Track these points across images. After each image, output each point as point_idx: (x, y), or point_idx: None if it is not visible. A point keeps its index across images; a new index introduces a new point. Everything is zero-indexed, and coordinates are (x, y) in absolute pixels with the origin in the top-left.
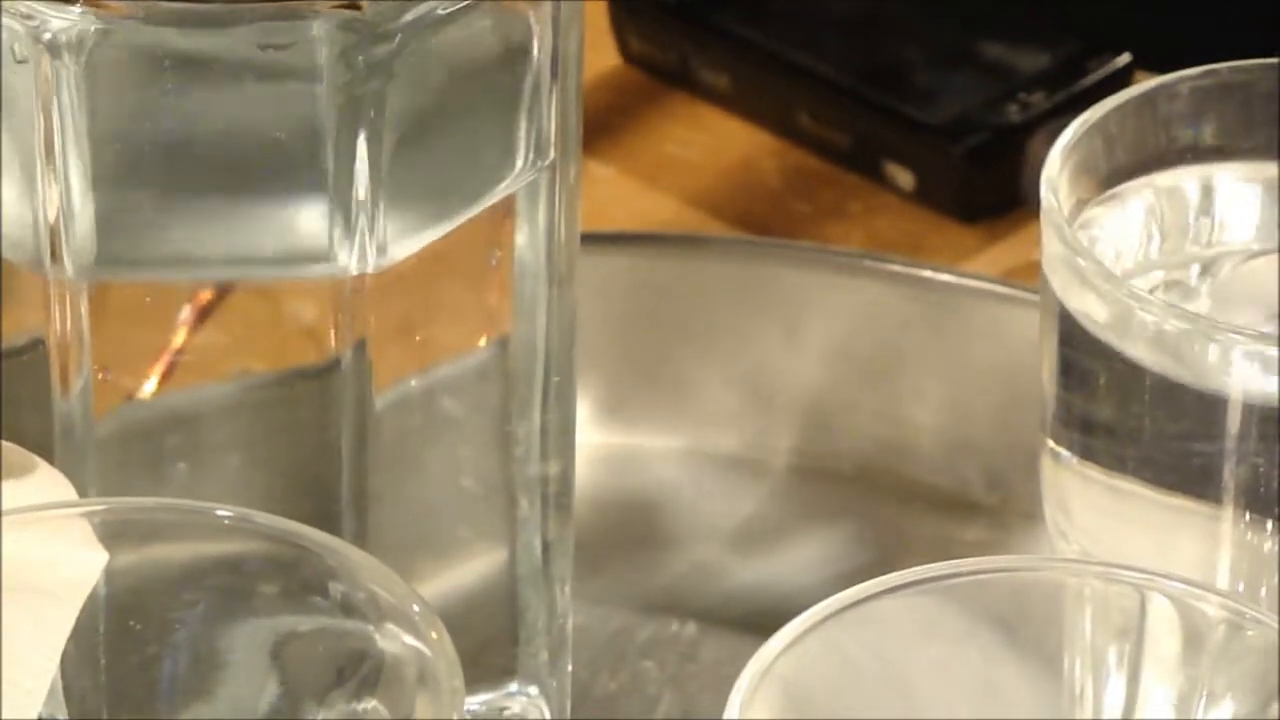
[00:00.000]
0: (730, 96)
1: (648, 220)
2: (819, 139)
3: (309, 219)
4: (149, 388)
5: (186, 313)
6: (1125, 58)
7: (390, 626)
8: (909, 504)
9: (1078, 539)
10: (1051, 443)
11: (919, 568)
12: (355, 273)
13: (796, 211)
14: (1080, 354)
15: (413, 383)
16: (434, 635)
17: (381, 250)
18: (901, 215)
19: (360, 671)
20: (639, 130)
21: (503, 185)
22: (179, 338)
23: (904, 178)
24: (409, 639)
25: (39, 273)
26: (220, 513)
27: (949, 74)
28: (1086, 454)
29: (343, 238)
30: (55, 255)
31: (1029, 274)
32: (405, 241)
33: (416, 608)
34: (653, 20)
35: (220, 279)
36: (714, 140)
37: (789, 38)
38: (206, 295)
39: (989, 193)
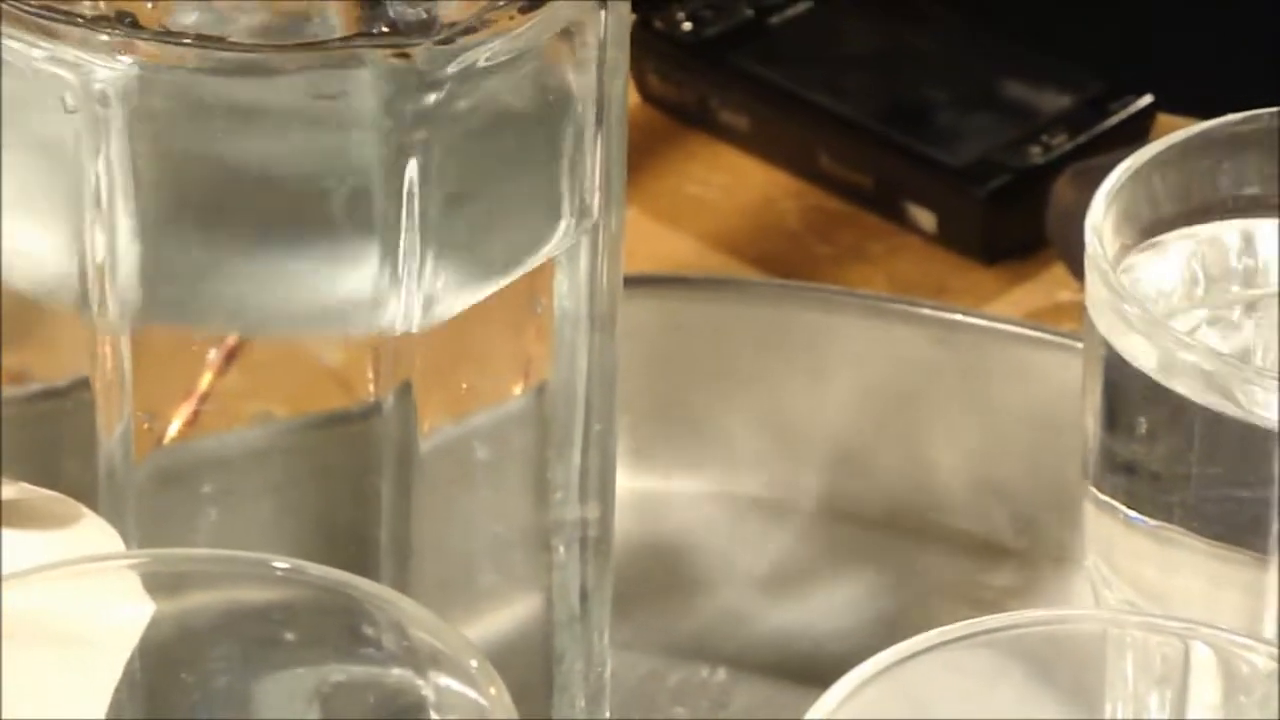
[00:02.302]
0: (750, 137)
1: (668, 261)
2: (840, 180)
3: (356, 274)
4: (174, 430)
5: (214, 355)
6: (1147, 99)
7: (447, 679)
8: (937, 548)
9: (1121, 587)
10: (1095, 489)
11: (967, 621)
12: (400, 330)
13: (817, 253)
14: (1125, 399)
15: (452, 429)
16: (493, 690)
17: (428, 308)
18: (923, 257)
19: None
20: (659, 171)
21: (549, 246)
22: (205, 381)
23: (925, 219)
24: (467, 692)
25: (83, 318)
26: (272, 563)
27: (971, 115)
28: (1131, 501)
29: (389, 295)
30: (101, 302)
31: (1052, 316)
32: (451, 301)
33: (474, 661)
34: (672, 60)
35: (266, 333)
36: (734, 181)
37: (809, 78)
38: (233, 340)
39: (1011, 234)
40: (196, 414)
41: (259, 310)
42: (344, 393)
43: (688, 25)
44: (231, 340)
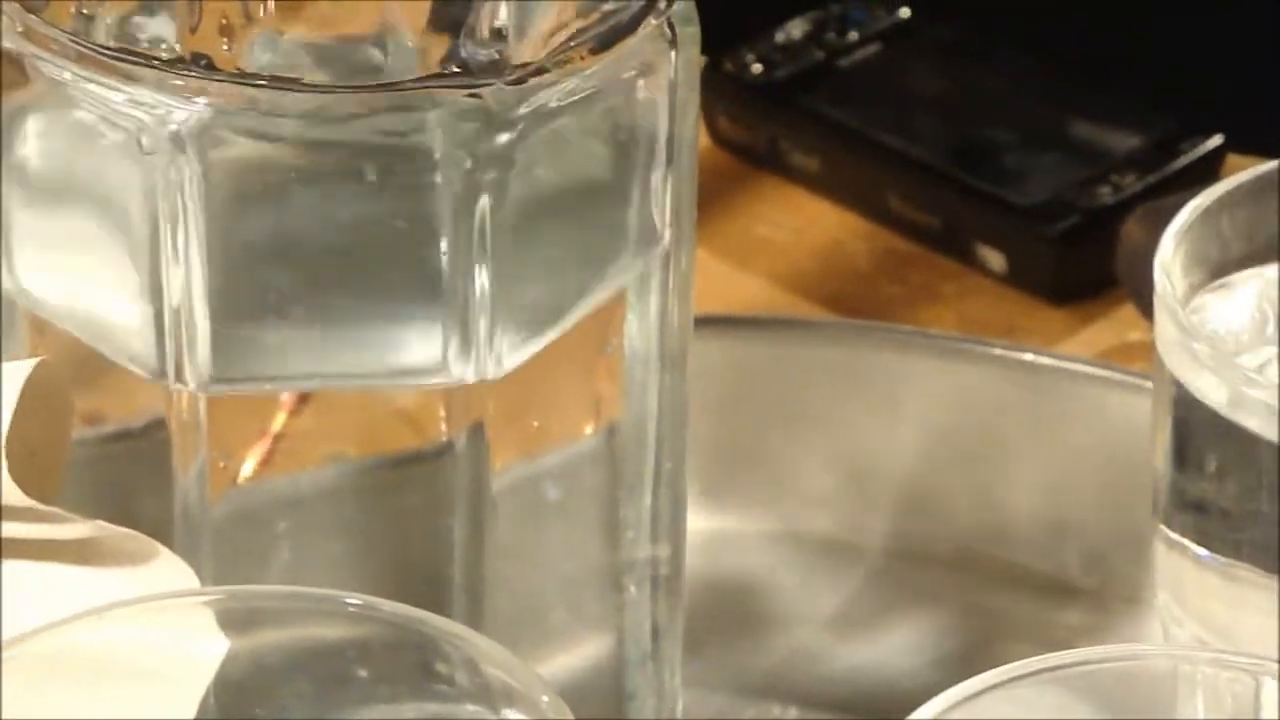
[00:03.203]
0: (820, 178)
1: (738, 302)
2: (910, 221)
3: (426, 322)
4: (248, 470)
5: (287, 396)
6: (1217, 139)
7: (519, 716)
8: (1007, 587)
9: (1191, 625)
10: (1164, 528)
11: (1036, 658)
12: (473, 381)
13: (887, 294)
14: (1196, 437)
15: (524, 468)
16: None
17: (498, 360)
18: (993, 297)
19: None
20: (729, 212)
21: (618, 273)
22: (279, 422)
23: (995, 260)
24: None
25: (161, 385)
26: (345, 600)
27: (1040, 156)
28: (1201, 538)
29: (460, 348)
30: (178, 374)
31: (1123, 355)
32: (521, 350)
33: (546, 698)
34: (742, 102)
35: (338, 387)
36: (804, 222)
37: (879, 119)
38: None
39: (1081, 275)
40: (270, 454)
41: (330, 372)
42: (415, 434)
43: (758, 67)
44: None
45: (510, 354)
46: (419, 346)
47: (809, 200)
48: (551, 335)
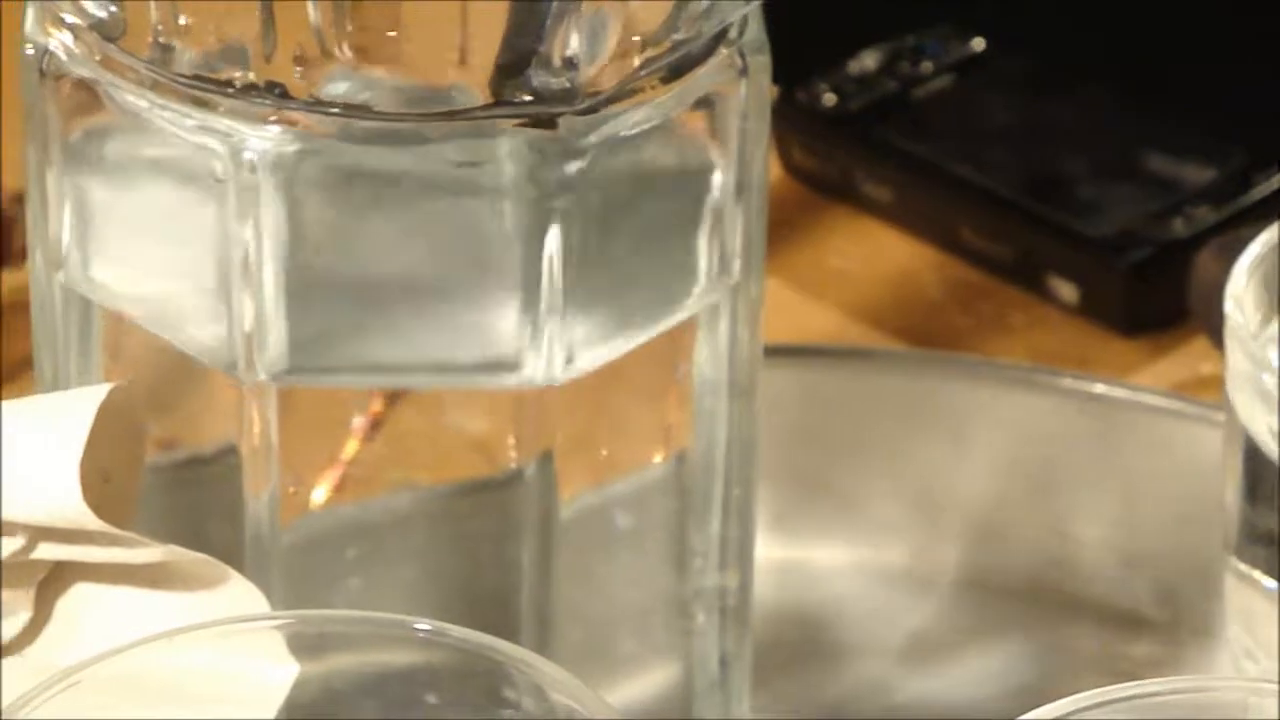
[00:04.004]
0: (892, 209)
1: (809, 332)
2: (981, 252)
3: (497, 331)
4: (319, 497)
5: (359, 423)
6: None
7: None
8: (1078, 619)
9: (1262, 658)
10: (1236, 560)
11: (1106, 689)
12: (542, 383)
13: (958, 324)
14: (1267, 469)
15: (592, 496)
16: None
17: (568, 362)
18: (1065, 329)
19: None
20: (801, 242)
21: (688, 301)
22: (351, 448)
23: (1067, 291)
24: None
25: (232, 376)
26: (415, 625)
27: (1113, 187)
28: (1272, 571)
29: (530, 349)
30: (249, 362)
31: (1195, 388)
32: (590, 355)
33: None
34: (816, 133)
35: (408, 386)
36: (876, 253)
37: (952, 150)
38: (378, 408)
39: (1154, 307)
40: (342, 482)
41: (402, 364)
42: (485, 461)
43: (831, 98)
44: (376, 408)
45: (579, 359)
46: (490, 343)
47: (881, 230)
48: (619, 348)
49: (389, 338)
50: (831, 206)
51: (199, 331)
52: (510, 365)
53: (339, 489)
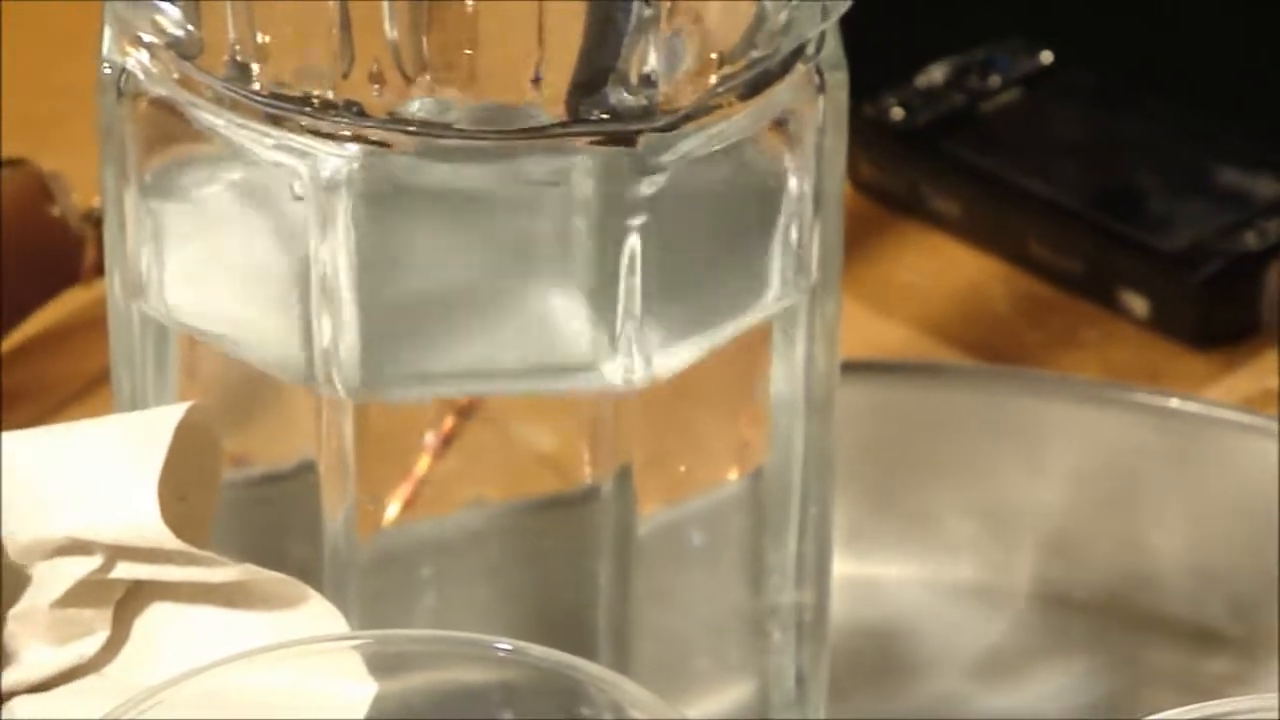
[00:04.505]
0: (961, 223)
1: (878, 347)
2: (1051, 266)
3: (574, 342)
4: (392, 513)
5: (431, 439)
6: None
7: None
8: (1152, 635)
9: None
10: None
11: (1183, 707)
12: (620, 386)
13: (1028, 339)
14: None
15: (668, 513)
16: None
17: (647, 365)
18: (1136, 343)
19: None
20: (869, 257)
21: (764, 306)
22: (423, 465)
23: (1138, 305)
24: None
25: (309, 389)
26: (494, 644)
27: (1185, 201)
28: None
29: (608, 357)
30: (327, 377)
31: (1267, 402)
32: (669, 358)
33: None
34: (884, 147)
35: (484, 393)
36: (945, 267)
37: (1021, 164)
38: (450, 424)
39: (1226, 320)
40: (413, 498)
41: (478, 371)
42: (558, 477)
43: (899, 112)
44: (448, 425)
45: (659, 358)
46: (569, 346)
47: (950, 245)
48: (700, 347)
49: (465, 351)
50: (899, 221)
51: (275, 350)
52: (588, 371)
53: (411, 506)
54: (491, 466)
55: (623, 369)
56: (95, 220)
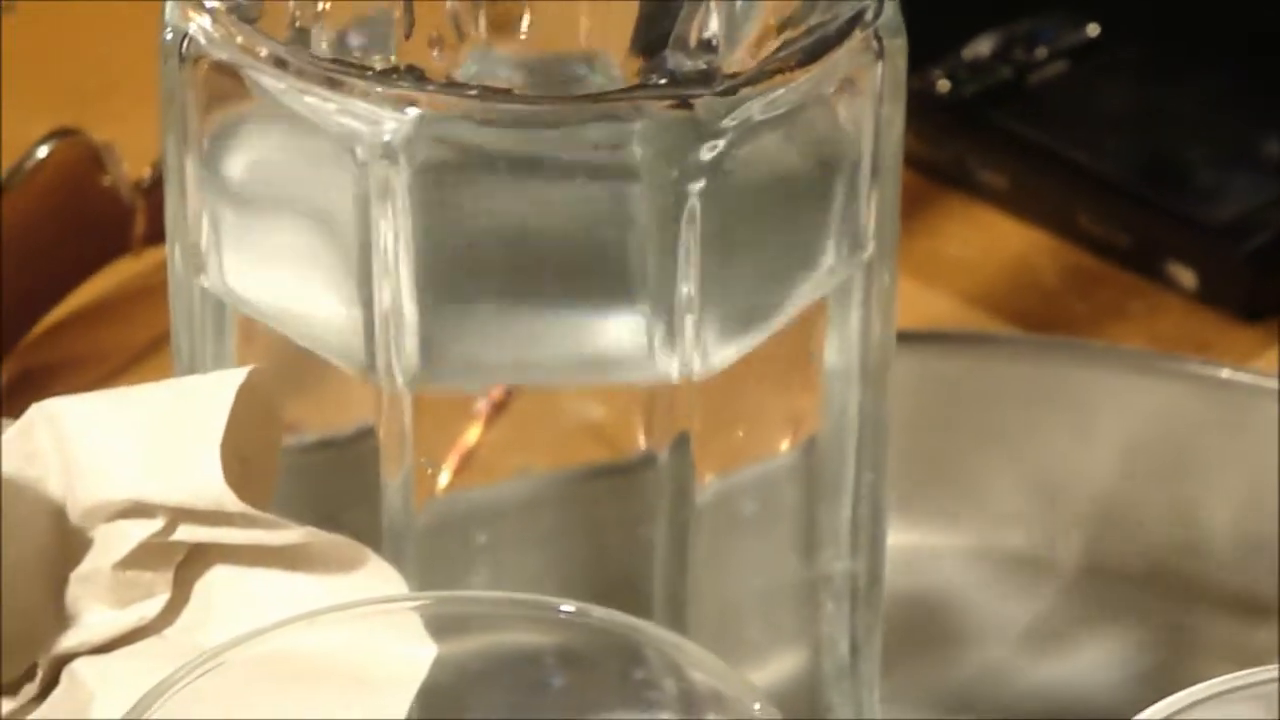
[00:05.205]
0: (1008, 196)
1: (926, 319)
2: (1099, 238)
3: (633, 323)
4: (444, 480)
5: (482, 406)
6: None
7: None
8: (1201, 604)
9: None
10: None
11: (1231, 675)
12: (677, 379)
13: (1076, 311)
14: None
15: (722, 482)
16: None
17: (705, 357)
18: (1183, 315)
19: None
20: (916, 230)
21: (821, 280)
22: (474, 434)
23: (1186, 277)
24: None
25: (369, 379)
26: (556, 606)
27: (1232, 172)
28: None
29: (665, 345)
30: (387, 367)
31: None
32: (726, 350)
33: (757, 705)
34: (930, 120)
35: (542, 385)
36: (991, 240)
37: (1068, 137)
38: (499, 393)
39: (1273, 292)
40: (462, 466)
41: (536, 363)
42: (608, 449)
43: (945, 85)
44: (498, 392)
45: (716, 351)
46: (625, 340)
47: (997, 218)
48: (756, 338)
49: (522, 334)
50: (946, 194)
51: (334, 335)
52: (646, 361)
53: (460, 474)
54: (540, 437)
55: (679, 364)
56: (145, 190)
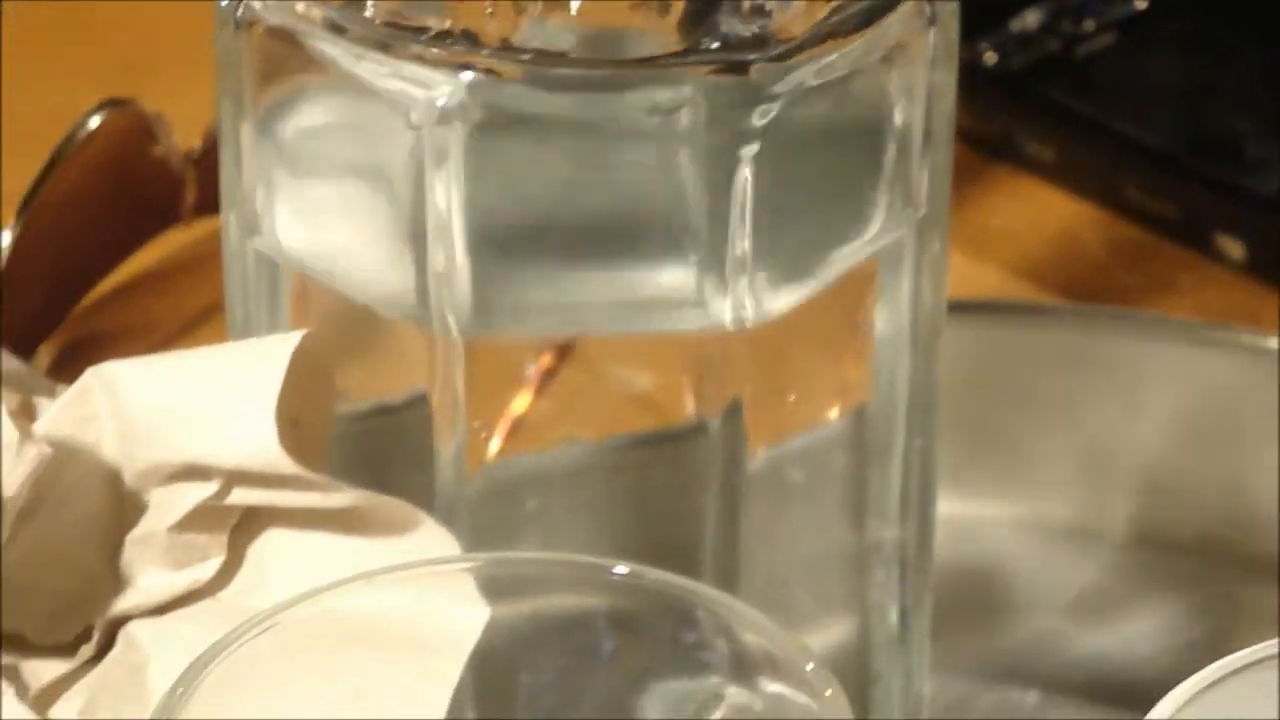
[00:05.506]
0: (1055, 168)
1: (973, 291)
2: (1146, 210)
3: (685, 271)
4: (494, 447)
5: (531, 372)
6: None
7: (780, 685)
8: (1249, 574)
9: None
10: None
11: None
12: (731, 326)
13: (1124, 283)
14: None
15: (772, 450)
16: (828, 692)
17: (758, 304)
18: (1232, 287)
19: None
20: (963, 203)
21: (873, 233)
22: (522, 402)
23: (1234, 249)
24: (802, 697)
25: (421, 326)
26: (610, 567)
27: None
28: None
29: (718, 293)
30: (439, 313)
31: None
32: (780, 297)
33: (810, 665)
34: (977, 93)
35: (595, 330)
36: (1039, 212)
37: (1116, 109)
38: (549, 361)
39: None
40: (512, 432)
41: (590, 308)
42: (656, 419)
43: (992, 57)
44: (547, 361)
45: (769, 299)
46: (677, 287)
47: (1044, 190)
48: (808, 288)
49: (574, 282)
50: (993, 166)
51: (386, 283)
52: (698, 308)
53: (510, 441)
54: (589, 408)
55: (732, 307)
56: (196, 160)
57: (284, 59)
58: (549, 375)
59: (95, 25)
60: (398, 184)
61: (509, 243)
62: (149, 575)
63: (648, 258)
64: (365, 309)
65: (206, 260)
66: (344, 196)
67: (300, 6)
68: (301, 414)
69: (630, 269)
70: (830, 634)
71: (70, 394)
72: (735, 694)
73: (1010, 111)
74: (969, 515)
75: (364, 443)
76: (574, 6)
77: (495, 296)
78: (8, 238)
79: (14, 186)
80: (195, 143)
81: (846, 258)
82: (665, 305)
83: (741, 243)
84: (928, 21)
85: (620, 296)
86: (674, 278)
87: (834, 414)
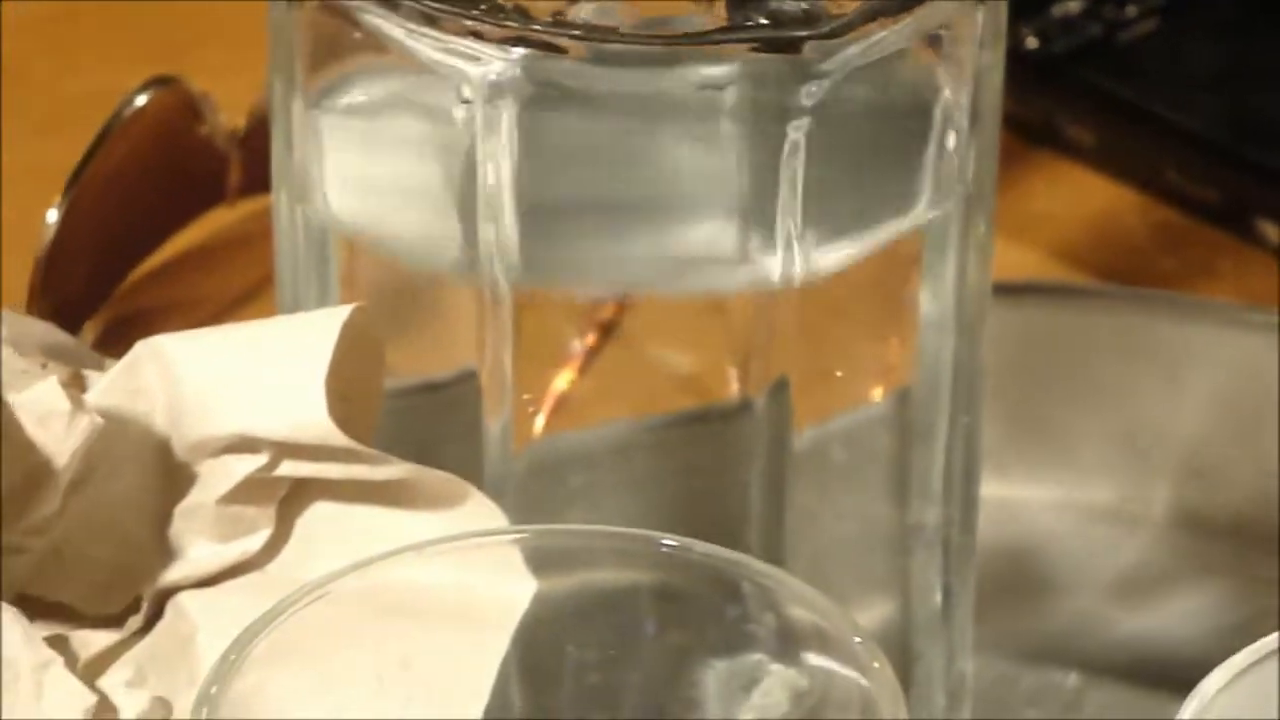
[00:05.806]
0: (1096, 153)
1: (1013, 275)
2: (1187, 195)
3: (733, 236)
4: (539, 424)
5: (576, 349)
6: None
7: (831, 657)
8: None
9: None
10: None
11: None
12: (779, 281)
13: (1163, 268)
14: None
15: (816, 429)
16: (876, 665)
17: (806, 261)
18: (1272, 271)
19: (804, 703)
20: (1004, 187)
21: (920, 208)
22: (565, 380)
23: (1275, 234)
24: (850, 671)
25: (469, 281)
26: (659, 540)
27: None
28: None
29: (765, 248)
30: (485, 270)
31: None
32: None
33: (858, 639)
34: (1017, 77)
35: (645, 285)
36: (1079, 196)
37: (1156, 94)
38: (593, 338)
39: None
40: (557, 411)
41: (638, 262)
42: (698, 400)
43: (1034, 42)
44: (591, 339)
45: (816, 257)
46: (725, 243)
47: (1085, 174)
48: (854, 249)
49: (623, 243)
50: (1034, 150)
51: (437, 245)
52: (747, 264)
53: (554, 417)
54: (631, 389)
55: (782, 263)
56: (241, 140)
57: (336, 34)
58: (593, 353)
59: (142, 5)
60: (449, 157)
61: (558, 213)
62: (198, 547)
63: (696, 224)
64: (414, 283)
65: (253, 239)
66: (395, 169)
67: None
68: (350, 387)
69: (679, 233)
70: (873, 613)
71: (121, 366)
72: (781, 667)
73: (1051, 96)
74: (1010, 497)
75: (410, 419)
76: None
77: (544, 254)
78: (54, 215)
79: (61, 164)
80: (240, 122)
81: (893, 227)
82: (713, 262)
83: (792, 209)
84: (976, 1)
85: (668, 252)
86: (723, 236)
87: (878, 394)
